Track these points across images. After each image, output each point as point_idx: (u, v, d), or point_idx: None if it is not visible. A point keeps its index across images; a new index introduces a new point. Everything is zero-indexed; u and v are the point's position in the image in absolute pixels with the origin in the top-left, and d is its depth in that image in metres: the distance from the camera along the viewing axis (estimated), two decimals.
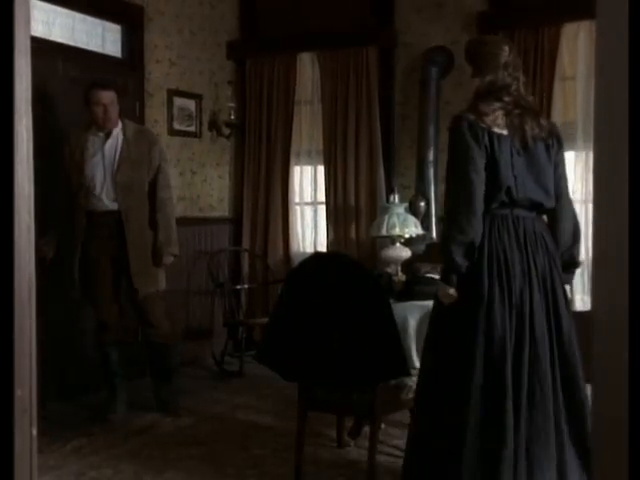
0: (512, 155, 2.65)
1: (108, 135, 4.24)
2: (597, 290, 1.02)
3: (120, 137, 4.26)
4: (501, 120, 2.67)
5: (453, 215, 2.65)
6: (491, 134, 2.63)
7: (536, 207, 2.73)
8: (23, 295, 1.02)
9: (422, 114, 5.35)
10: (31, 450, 1.04)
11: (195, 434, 4.01)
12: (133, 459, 3.64)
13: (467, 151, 2.61)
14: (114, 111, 4.21)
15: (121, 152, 4.22)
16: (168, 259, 4.35)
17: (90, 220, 4.19)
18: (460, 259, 2.58)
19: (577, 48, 4.95)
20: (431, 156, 5.33)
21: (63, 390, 4.48)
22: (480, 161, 2.60)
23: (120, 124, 4.26)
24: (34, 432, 1.05)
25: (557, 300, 2.67)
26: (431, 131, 5.32)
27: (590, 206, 4.62)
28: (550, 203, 2.75)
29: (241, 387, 5.05)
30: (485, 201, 2.63)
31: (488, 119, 2.65)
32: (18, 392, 1.01)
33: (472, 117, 2.65)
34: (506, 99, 2.70)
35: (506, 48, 2.80)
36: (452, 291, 2.64)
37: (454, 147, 2.69)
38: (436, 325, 2.79)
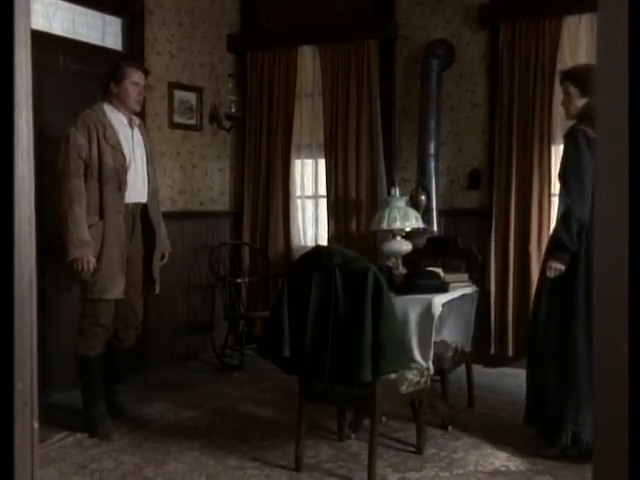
0: None
1: (130, 120, 3.93)
2: (598, 284, 1.02)
3: (141, 125, 4.04)
4: None
5: (574, 209, 3.32)
6: None
7: None
8: (24, 288, 1.03)
9: (423, 107, 5.34)
10: (32, 442, 1.05)
11: (196, 426, 4.03)
12: (134, 451, 3.65)
13: (582, 159, 3.28)
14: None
15: (144, 141, 4.00)
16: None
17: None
18: (576, 242, 3.33)
19: (578, 41, 4.94)
20: (432, 149, 5.32)
21: (65, 382, 4.49)
22: (591, 165, 3.24)
23: None
24: (35, 425, 1.05)
25: None
26: (432, 124, 5.32)
27: None
28: None
29: (242, 380, 5.06)
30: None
31: None
32: (19, 385, 1.01)
33: (585, 128, 3.29)
34: None
35: None
36: (563, 267, 3.40)
37: (572, 154, 3.35)
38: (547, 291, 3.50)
